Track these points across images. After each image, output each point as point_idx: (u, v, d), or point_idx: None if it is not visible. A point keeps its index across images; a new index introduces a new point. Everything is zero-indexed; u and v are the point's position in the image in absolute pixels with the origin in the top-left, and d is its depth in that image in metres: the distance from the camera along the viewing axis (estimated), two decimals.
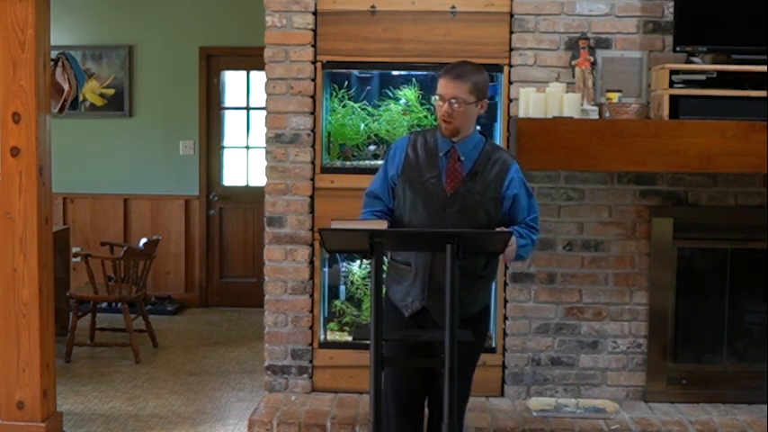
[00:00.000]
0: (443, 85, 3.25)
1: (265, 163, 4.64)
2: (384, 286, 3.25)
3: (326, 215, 4.37)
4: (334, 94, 4.76)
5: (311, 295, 4.67)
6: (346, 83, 4.76)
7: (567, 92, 4.32)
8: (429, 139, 3.36)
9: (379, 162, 4.10)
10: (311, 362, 4.71)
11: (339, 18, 4.54)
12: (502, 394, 4.67)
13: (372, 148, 4.77)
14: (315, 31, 4.56)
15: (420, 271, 3.30)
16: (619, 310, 4.61)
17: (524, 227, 3.33)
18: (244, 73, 7.65)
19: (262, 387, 4.94)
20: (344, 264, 4.85)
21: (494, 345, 4.68)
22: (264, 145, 4.65)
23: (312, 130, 4.61)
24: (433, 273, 3.27)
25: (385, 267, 3.44)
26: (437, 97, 3.28)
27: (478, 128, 3.43)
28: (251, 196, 7.50)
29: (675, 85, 4.21)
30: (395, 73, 4.71)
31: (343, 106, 4.75)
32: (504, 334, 4.64)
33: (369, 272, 4.73)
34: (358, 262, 4.82)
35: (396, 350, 3.35)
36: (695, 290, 4.66)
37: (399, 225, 3.34)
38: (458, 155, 3.30)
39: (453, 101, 3.22)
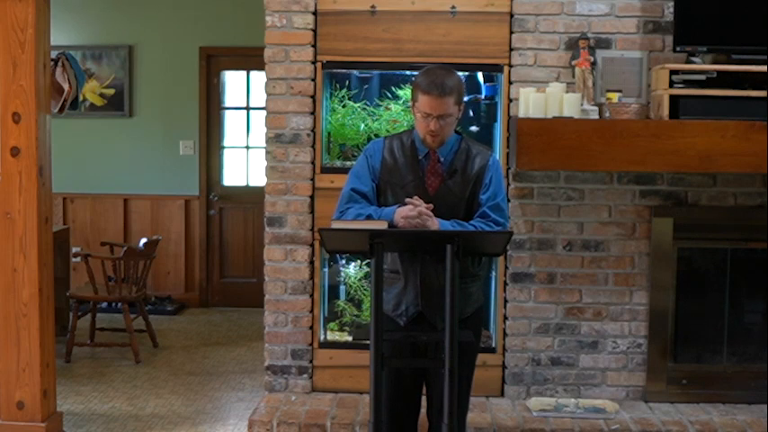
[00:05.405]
0: (429, 104, 3.13)
1: (265, 163, 4.64)
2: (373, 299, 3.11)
3: (326, 215, 4.34)
4: (334, 94, 4.76)
5: (311, 295, 4.67)
6: (347, 83, 4.76)
7: (567, 92, 4.32)
8: (405, 141, 3.30)
9: None
10: (311, 362, 4.71)
11: (339, 18, 4.54)
12: (502, 394, 4.67)
13: None
14: (315, 31, 4.56)
15: (411, 276, 3.24)
16: (619, 310, 4.61)
17: (481, 220, 3.22)
18: (244, 73, 7.65)
19: (262, 387, 4.94)
20: (342, 268, 4.84)
21: (494, 345, 4.68)
22: (264, 145, 4.65)
23: (312, 130, 4.61)
24: (425, 276, 3.22)
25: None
26: (419, 113, 3.17)
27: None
28: (251, 196, 7.50)
29: (675, 85, 4.21)
30: (408, 72, 4.69)
31: (344, 106, 4.75)
32: (504, 334, 4.64)
33: (366, 273, 4.73)
34: (353, 264, 4.81)
35: (392, 353, 3.25)
36: (695, 290, 4.66)
37: None
38: (437, 156, 3.26)
39: (441, 119, 3.15)
